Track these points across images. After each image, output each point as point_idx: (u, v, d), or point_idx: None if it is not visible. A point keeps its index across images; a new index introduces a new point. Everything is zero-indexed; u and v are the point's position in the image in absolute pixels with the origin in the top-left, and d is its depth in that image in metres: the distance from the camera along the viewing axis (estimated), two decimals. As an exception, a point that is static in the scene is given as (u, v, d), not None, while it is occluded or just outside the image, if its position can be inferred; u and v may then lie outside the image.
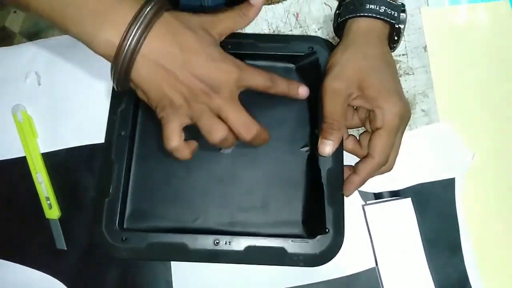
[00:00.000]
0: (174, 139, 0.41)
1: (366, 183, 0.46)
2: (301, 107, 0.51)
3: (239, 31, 0.55)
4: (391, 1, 0.46)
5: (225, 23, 0.43)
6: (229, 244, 0.45)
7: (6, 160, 0.54)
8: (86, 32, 0.37)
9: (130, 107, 0.49)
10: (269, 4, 0.56)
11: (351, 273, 0.49)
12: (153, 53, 0.38)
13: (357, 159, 0.49)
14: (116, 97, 0.49)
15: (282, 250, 0.45)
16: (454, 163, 0.51)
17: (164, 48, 0.38)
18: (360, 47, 0.46)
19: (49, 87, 0.56)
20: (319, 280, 0.49)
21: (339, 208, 0.46)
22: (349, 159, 0.49)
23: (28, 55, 0.57)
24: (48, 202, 0.51)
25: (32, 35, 0.59)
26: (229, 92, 0.40)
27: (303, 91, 0.47)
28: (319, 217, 0.46)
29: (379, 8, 0.46)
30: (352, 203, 0.50)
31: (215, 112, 0.40)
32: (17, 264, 0.51)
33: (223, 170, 0.50)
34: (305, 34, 0.56)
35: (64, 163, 0.53)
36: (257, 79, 0.42)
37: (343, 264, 0.48)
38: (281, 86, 0.45)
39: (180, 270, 0.49)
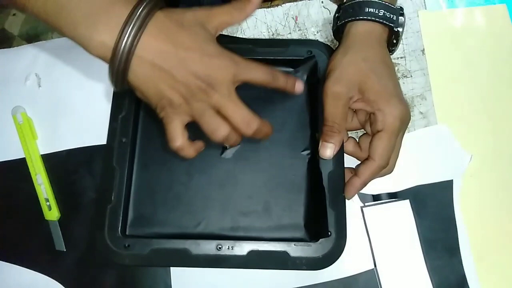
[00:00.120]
0: (178, 139, 0.41)
1: (365, 185, 0.46)
2: (301, 111, 0.51)
3: (237, 35, 0.56)
4: (390, 5, 0.47)
5: (221, 17, 0.42)
6: (232, 249, 0.45)
7: (5, 161, 0.54)
8: (81, 34, 0.36)
9: (131, 114, 0.49)
10: (268, 7, 0.57)
11: (349, 275, 0.49)
12: (148, 54, 0.37)
13: (357, 162, 0.49)
14: (117, 104, 0.50)
15: (285, 254, 0.45)
16: (452, 165, 0.52)
17: (158, 48, 0.37)
18: (360, 50, 0.46)
19: (49, 89, 0.56)
20: (317, 282, 0.49)
21: (341, 211, 0.46)
22: (349, 162, 0.49)
23: (28, 57, 0.57)
24: (48, 203, 0.51)
25: (32, 37, 0.59)
26: (227, 87, 0.40)
27: (299, 86, 0.46)
28: (321, 220, 0.46)
29: (378, 12, 0.46)
30: (350, 205, 0.50)
31: (215, 109, 0.40)
32: (16, 265, 0.51)
33: (224, 174, 0.50)
34: (304, 37, 0.56)
35: (63, 165, 0.53)
36: (255, 73, 0.42)
37: (341, 266, 0.48)
38: (280, 80, 0.44)
39: (179, 273, 0.49)
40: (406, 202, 0.49)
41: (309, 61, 0.51)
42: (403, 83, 0.54)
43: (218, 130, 0.40)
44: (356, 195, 0.51)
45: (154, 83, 0.39)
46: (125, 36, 0.36)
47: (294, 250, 0.45)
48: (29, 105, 0.55)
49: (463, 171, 0.51)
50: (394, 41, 0.49)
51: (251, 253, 0.45)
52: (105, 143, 0.49)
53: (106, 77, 0.38)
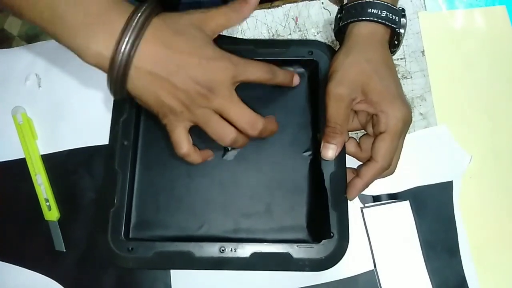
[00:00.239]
0: (183, 146, 0.41)
1: (365, 186, 0.46)
2: (303, 112, 0.51)
3: (238, 36, 0.56)
4: (392, 6, 0.47)
5: (218, 19, 0.41)
6: (235, 251, 0.45)
7: (5, 161, 0.54)
8: (77, 44, 0.36)
9: (132, 117, 0.49)
10: (268, 8, 0.57)
11: (349, 276, 0.49)
12: (145, 63, 0.37)
13: (358, 162, 0.49)
14: (118, 107, 0.49)
15: (287, 255, 0.45)
16: (452, 166, 0.52)
17: (156, 56, 0.37)
18: (363, 51, 0.46)
19: (49, 89, 0.56)
20: (317, 283, 0.49)
21: (343, 212, 0.46)
22: (349, 162, 0.49)
23: (28, 57, 0.57)
24: (47, 203, 0.51)
25: (31, 38, 0.59)
26: (227, 89, 0.40)
27: (296, 78, 0.48)
28: (324, 221, 0.46)
29: (381, 13, 0.46)
30: (351, 206, 0.50)
31: (217, 113, 0.40)
32: (15, 265, 0.51)
33: (226, 176, 0.50)
34: (304, 37, 0.56)
35: (63, 165, 0.53)
36: (254, 72, 0.42)
37: (341, 267, 0.48)
38: (279, 76, 0.44)
39: (179, 273, 0.49)
40: (406, 203, 0.49)
41: (310, 61, 0.51)
42: (403, 84, 0.54)
43: (225, 135, 0.41)
44: (356, 196, 0.51)
45: (154, 92, 0.38)
46: (122, 46, 0.35)
47: (296, 251, 0.45)
48: (29, 105, 0.55)
49: (463, 172, 0.52)
50: (396, 43, 0.49)
51: (254, 255, 0.45)
52: (105, 143, 0.49)
53: (106, 77, 0.38)
